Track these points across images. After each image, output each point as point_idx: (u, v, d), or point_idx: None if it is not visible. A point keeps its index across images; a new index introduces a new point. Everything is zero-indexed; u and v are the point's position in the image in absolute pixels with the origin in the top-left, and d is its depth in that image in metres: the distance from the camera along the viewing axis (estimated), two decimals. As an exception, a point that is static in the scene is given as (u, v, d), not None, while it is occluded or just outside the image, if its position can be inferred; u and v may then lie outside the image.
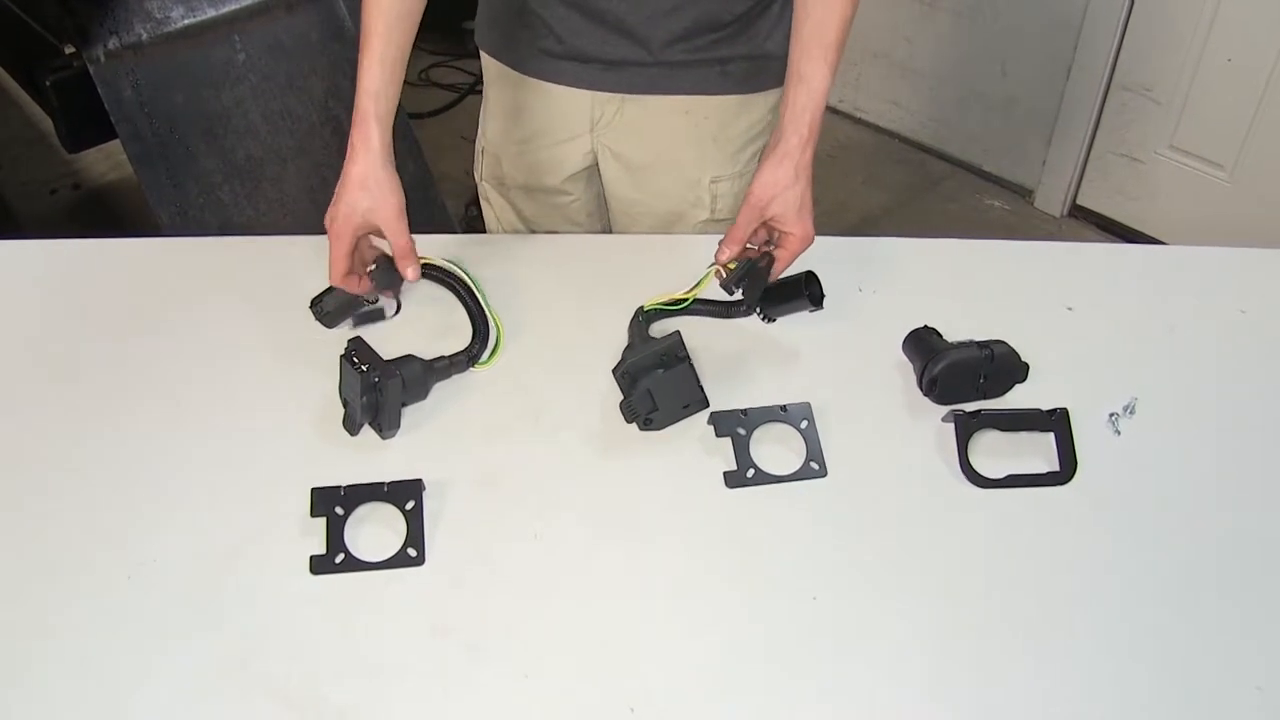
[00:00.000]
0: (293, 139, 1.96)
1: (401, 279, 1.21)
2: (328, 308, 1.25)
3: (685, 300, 1.21)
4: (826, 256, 1.34)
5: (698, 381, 1.11)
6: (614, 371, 1.10)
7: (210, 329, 1.27)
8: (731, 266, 1.17)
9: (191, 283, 1.34)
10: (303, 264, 1.34)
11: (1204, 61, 2.62)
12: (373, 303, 1.27)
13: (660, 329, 1.22)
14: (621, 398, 1.10)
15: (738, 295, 1.18)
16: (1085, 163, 2.99)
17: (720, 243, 1.16)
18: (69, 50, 1.87)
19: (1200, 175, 2.76)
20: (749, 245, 1.19)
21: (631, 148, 1.44)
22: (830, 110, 3.79)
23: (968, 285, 1.34)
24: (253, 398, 1.17)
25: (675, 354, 1.09)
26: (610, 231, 1.60)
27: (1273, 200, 2.65)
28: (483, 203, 1.63)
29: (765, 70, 1.37)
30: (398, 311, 1.28)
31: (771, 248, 1.20)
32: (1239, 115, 2.63)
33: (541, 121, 1.45)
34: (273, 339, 1.25)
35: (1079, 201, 3.08)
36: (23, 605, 0.97)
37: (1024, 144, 3.12)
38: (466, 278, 1.26)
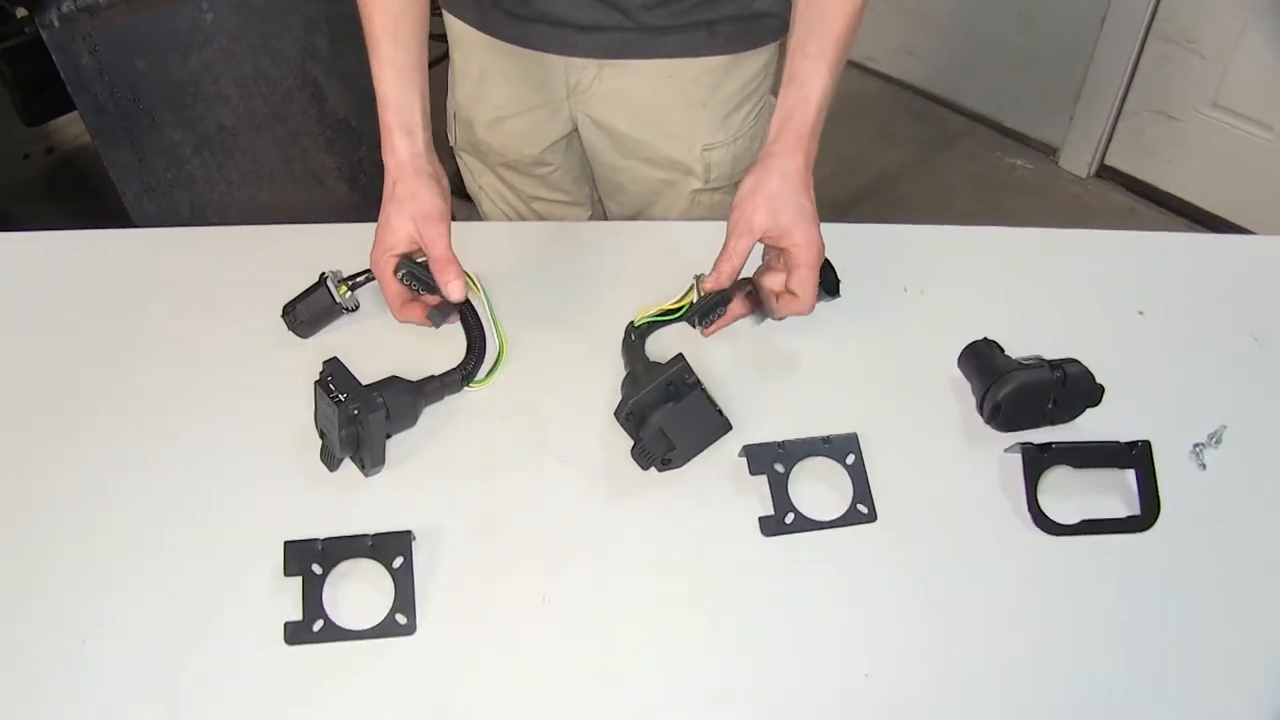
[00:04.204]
0: (267, 105, 1.80)
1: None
2: (301, 317, 1.11)
3: (678, 310, 1.07)
4: (863, 247, 1.21)
5: (715, 407, 0.96)
6: (616, 414, 0.96)
7: (172, 340, 1.12)
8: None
9: (153, 284, 1.20)
10: (280, 258, 1.20)
11: (1254, 10, 2.43)
12: (352, 309, 1.12)
13: (657, 342, 1.08)
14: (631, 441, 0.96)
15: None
16: (1116, 120, 2.82)
17: (714, 263, 1.02)
18: (21, 14, 1.70)
19: (1244, 136, 2.59)
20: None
21: (613, 115, 1.30)
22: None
23: (1026, 282, 1.20)
24: (219, 425, 1.03)
25: (683, 380, 0.95)
26: (598, 196, 1.48)
27: (1322, 165, 2.49)
28: (461, 170, 1.49)
29: (757, 28, 1.23)
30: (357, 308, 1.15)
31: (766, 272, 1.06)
32: (1288, 71, 2.46)
33: (513, 89, 1.31)
34: (243, 352, 1.11)
35: (1107, 161, 2.91)
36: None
37: (1049, 98, 2.95)
38: (482, 290, 1.09)
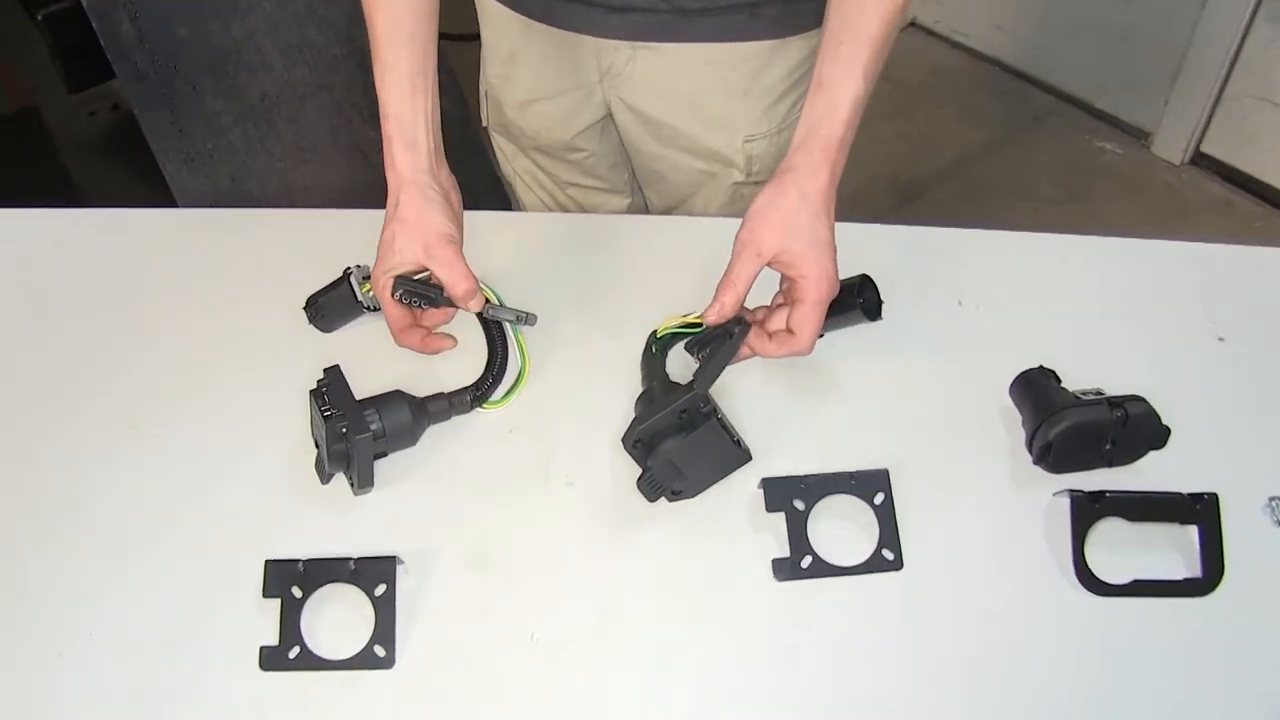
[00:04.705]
0: (312, 74, 1.74)
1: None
2: (323, 311, 1.06)
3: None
4: (916, 251, 1.13)
5: (732, 437, 0.87)
6: (624, 441, 0.89)
7: (185, 328, 1.08)
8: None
9: (173, 268, 1.15)
10: (314, 243, 1.14)
11: (1369, -6, 2.26)
12: (374, 308, 1.06)
13: (680, 356, 1.00)
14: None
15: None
16: (1215, 105, 2.64)
17: (715, 292, 0.92)
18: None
19: (1354, 128, 2.41)
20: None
21: (648, 102, 1.21)
22: (924, 31, 3.47)
23: (1094, 298, 1.09)
24: (220, 422, 0.99)
25: (697, 409, 0.86)
26: (638, 184, 1.40)
27: None
28: (495, 151, 1.42)
29: (804, 11, 1.12)
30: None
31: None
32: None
33: (543, 70, 1.23)
34: (260, 344, 1.06)
35: (1203, 149, 2.73)
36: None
37: (1144, 79, 2.77)
38: (494, 294, 1.01)
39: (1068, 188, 2.78)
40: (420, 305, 0.97)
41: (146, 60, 1.61)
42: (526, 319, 0.99)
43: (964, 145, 2.96)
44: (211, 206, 1.71)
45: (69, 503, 0.92)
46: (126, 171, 2.69)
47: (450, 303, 0.96)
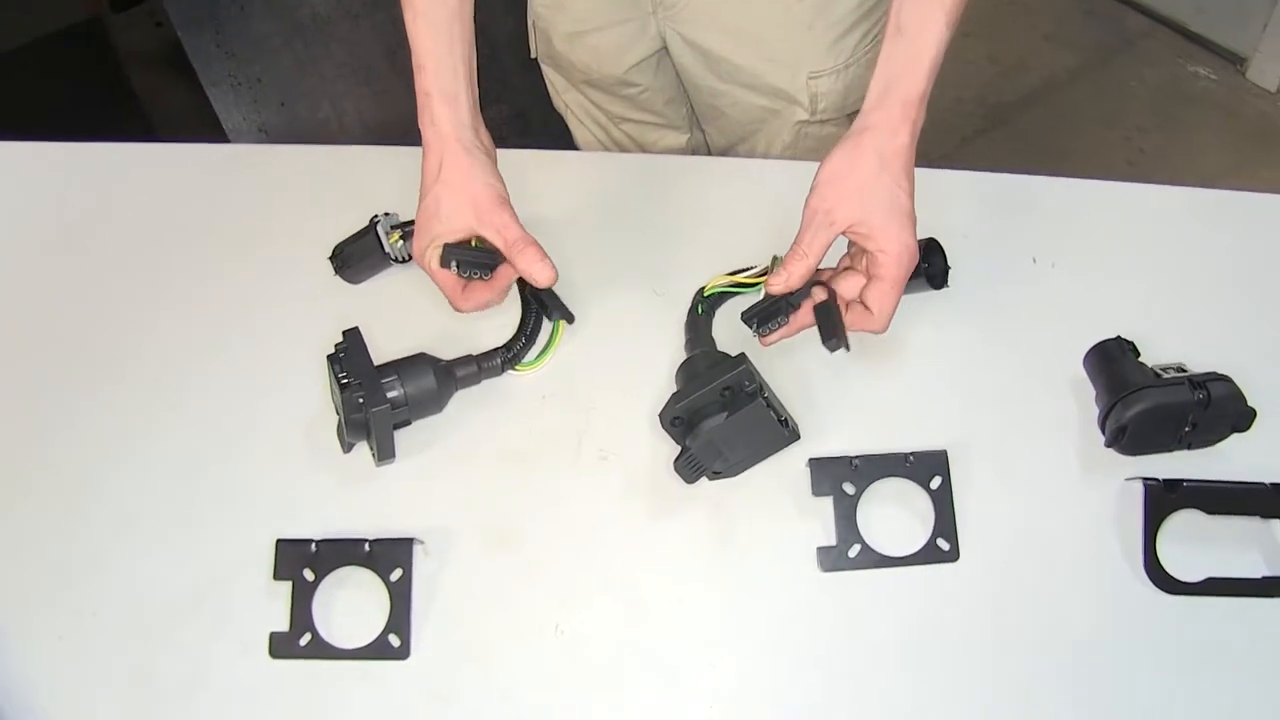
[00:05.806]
0: (367, -9, 1.68)
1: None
2: (349, 263, 1.00)
3: (758, 284, 0.92)
4: (990, 200, 1.03)
5: (779, 416, 0.81)
6: (661, 418, 0.82)
7: (207, 278, 1.04)
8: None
9: (200, 212, 1.10)
10: (352, 183, 1.08)
11: None
12: (403, 260, 1.01)
13: (726, 319, 0.93)
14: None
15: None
16: (1319, 30, 2.47)
17: (783, 260, 0.85)
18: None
19: None
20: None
21: (705, 35, 1.13)
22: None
23: (1183, 260, 0.99)
24: (240, 385, 0.95)
25: (742, 387, 0.80)
26: (696, 117, 1.32)
27: None
28: (546, 83, 1.35)
29: None
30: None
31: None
32: None
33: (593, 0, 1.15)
34: (281, 300, 1.02)
35: (1303, 76, 2.56)
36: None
37: (1242, 1, 2.59)
38: None
39: (1158, 114, 2.62)
40: (478, 276, 0.90)
41: (189, -25, 1.56)
42: (567, 316, 0.94)
43: (1052, 68, 2.81)
44: (258, 134, 1.67)
45: (77, 470, 0.90)
46: (189, 86, 2.67)
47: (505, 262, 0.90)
